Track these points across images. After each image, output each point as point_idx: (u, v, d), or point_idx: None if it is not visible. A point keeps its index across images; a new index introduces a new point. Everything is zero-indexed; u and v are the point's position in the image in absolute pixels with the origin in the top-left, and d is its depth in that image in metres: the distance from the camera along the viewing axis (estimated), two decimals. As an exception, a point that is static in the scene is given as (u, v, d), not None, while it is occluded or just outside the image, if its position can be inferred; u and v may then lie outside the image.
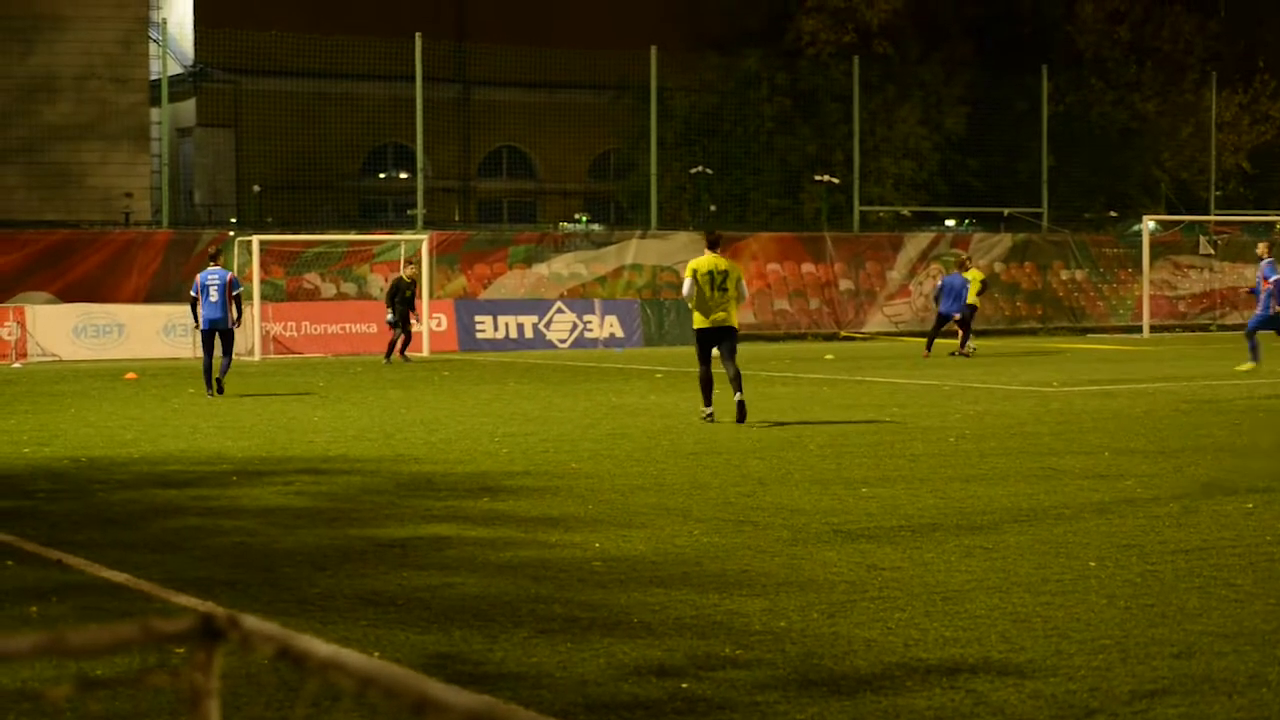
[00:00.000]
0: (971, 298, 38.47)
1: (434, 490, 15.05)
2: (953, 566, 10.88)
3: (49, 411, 24.53)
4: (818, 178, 54.55)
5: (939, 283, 40.02)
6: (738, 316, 22.52)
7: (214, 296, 27.14)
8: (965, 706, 7.48)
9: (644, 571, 10.77)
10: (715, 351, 22.24)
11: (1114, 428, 20.48)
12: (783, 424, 21.42)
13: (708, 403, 21.96)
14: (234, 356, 28.29)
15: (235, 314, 27.32)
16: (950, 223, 60.03)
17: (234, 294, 27.32)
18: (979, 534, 12.19)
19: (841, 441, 18.95)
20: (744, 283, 22.54)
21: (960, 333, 38.35)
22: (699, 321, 22.08)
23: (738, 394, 21.53)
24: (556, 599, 9.90)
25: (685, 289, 22.20)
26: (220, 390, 27.11)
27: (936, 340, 38.14)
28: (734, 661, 8.31)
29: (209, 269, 27.65)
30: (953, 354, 37.37)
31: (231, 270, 30.25)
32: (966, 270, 39.14)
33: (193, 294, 27.64)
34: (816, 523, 12.76)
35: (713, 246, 22.36)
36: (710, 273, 21.87)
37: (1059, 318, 53.75)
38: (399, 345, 37.23)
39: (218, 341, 27.29)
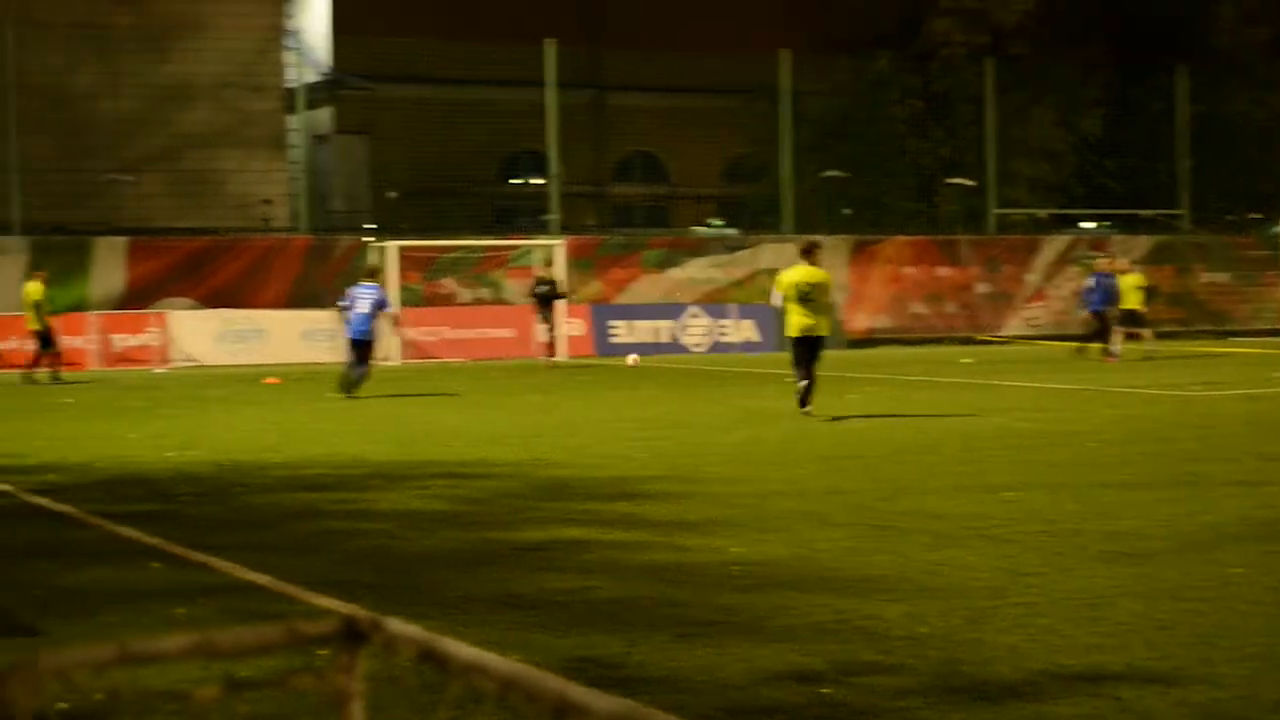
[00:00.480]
0: (1137, 303, 38.02)
1: (571, 494, 15.07)
2: (1096, 572, 10.74)
3: (192, 416, 24.85)
4: (951, 180, 54.16)
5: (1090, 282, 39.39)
6: (828, 325, 23.36)
7: (363, 309, 27.91)
8: (1110, 714, 7.38)
9: (783, 576, 10.73)
10: None
11: (1257, 432, 20.17)
12: (844, 418, 21.28)
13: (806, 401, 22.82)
14: (372, 364, 28.57)
15: (380, 328, 28.55)
16: (1087, 225, 59.40)
17: (381, 311, 28.29)
18: (1121, 539, 12.02)
19: (980, 446, 18.79)
20: (832, 291, 23.60)
21: (1125, 333, 37.92)
22: (790, 330, 23.04)
23: (806, 406, 22.67)
24: (695, 603, 9.87)
25: (774, 300, 23.33)
26: (349, 396, 27.52)
27: (1102, 342, 37.59)
28: (875, 667, 8.25)
29: (364, 283, 28.65)
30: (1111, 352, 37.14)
31: (385, 288, 30.60)
32: (1126, 273, 38.69)
33: (342, 303, 28.14)
34: (957, 528, 12.65)
35: (806, 255, 23.27)
36: (797, 284, 22.71)
37: (1200, 320, 52.94)
38: (547, 348, 37.27)
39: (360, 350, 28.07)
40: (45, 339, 34.41)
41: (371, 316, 27.95)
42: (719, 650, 8.62)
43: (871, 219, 55.82)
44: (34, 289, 34.44)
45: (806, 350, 22.80)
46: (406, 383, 32.46)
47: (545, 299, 37.25)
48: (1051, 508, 13.66)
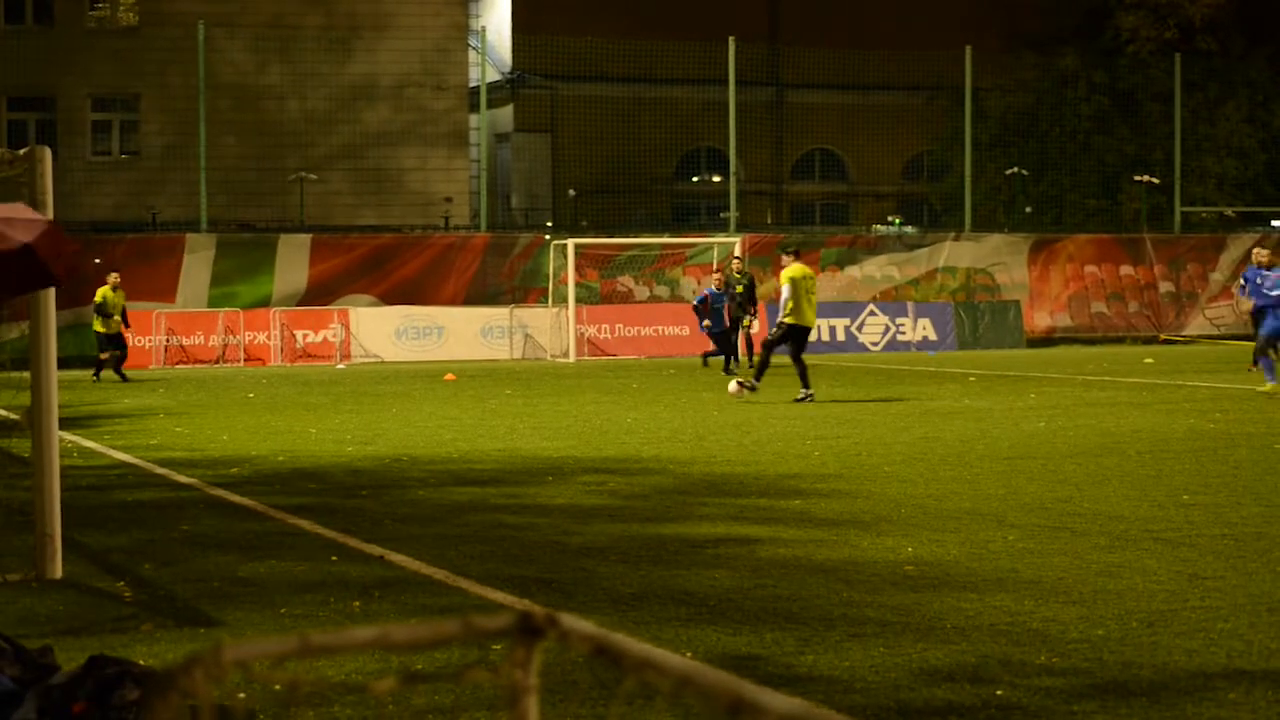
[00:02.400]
0: None
1: (745, 491, 15.08)
2: (1279, 576, 10.57)
3: (371, 411, 25.15)
4: (1137, 178, 53.43)
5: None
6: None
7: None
8: (1292, 721, 7.26)
9: (957, 576, 10.67)
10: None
11: None
12: (844, 402, 21.05)
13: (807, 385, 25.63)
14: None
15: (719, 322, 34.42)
16: (1277, 223, 58.30)
17: (698, 306, 34.70)
18: (1306, 544, 11.81)
19: (1161, 447, 18.54)
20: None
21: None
22: (801, 320, 25.60)
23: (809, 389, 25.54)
24: (869, 602, 9.85)
25: (787, 293, 25.45)
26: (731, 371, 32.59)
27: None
28: (1050, 669, 8.19)
29: (711, 288, 35.38)
30: None
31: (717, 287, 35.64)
32: None
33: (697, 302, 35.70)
34: (1135, 530, 12.50)
35: (798, 256, 26.49)
36: (805, 279, 25.72)
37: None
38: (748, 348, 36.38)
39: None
40: (113, 341, 33.64)
41: (718, 312, 34.57)
42: (892, 650, 8.60)
43: (1054, 216, 55.24)
44: (101, 291, 33.72)
45: (805, 339, 25.98)
46: (583, 379, 32.64)
47: (747, 294, 35.74)
48: (1233, 511, 13.45)
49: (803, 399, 25.36)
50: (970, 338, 44.66)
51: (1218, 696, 7.67)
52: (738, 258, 39.18)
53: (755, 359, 35.77)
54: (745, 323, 35.43)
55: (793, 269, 25.74)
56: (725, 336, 34.48)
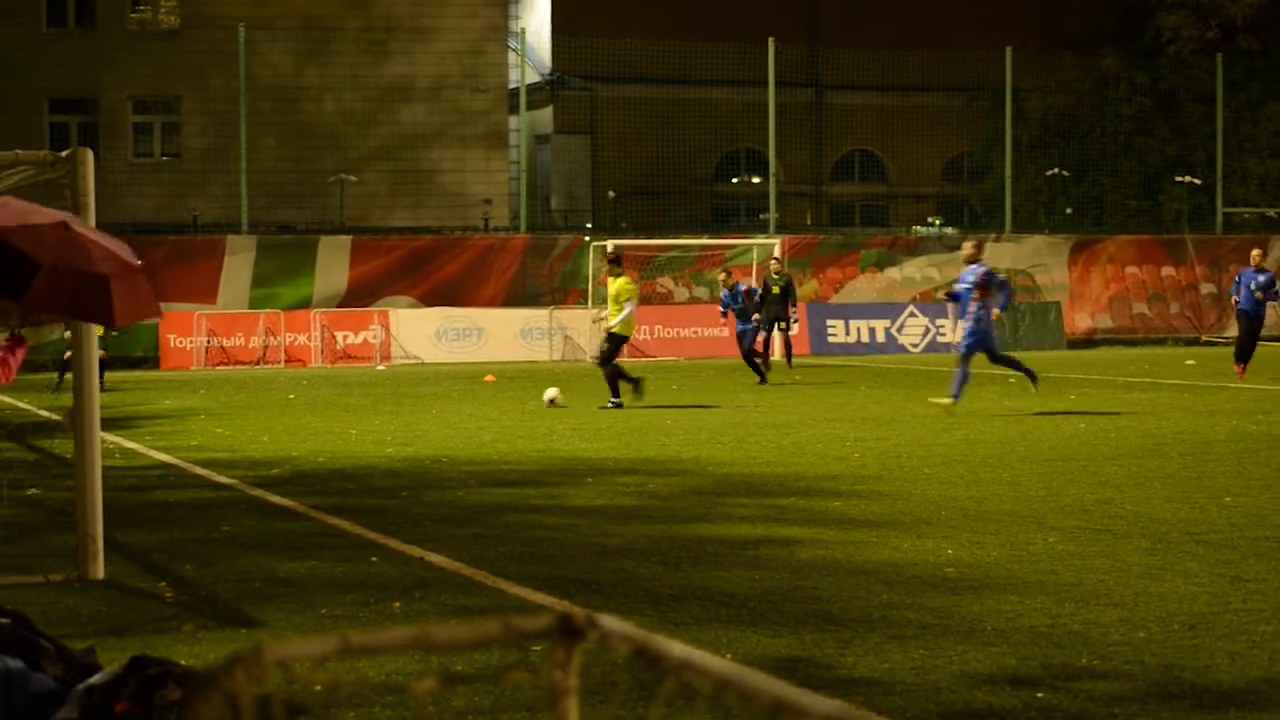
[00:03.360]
0: None
1: (785, 492, 15.05)
2: (1321, 579, 10.52)
3: (411, 413, 25.19)
4: (1179, 179, 53.22)
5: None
6: None
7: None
8: (1335, 725, 7.21)
9: (998, 578, 10.63)
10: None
11: None
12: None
13: (636, 389, 25.53)
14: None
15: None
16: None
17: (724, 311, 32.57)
18: (1349, 546, 11.74)
19: (1203, 449, 18.45)
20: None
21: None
22: (633, 330, 26.50)
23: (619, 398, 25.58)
24: (909, 604, 9.83)
25: (630, 309, 25.61)
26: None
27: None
28: (1091, 672, 8.16)
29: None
30: None
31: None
32: None
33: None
34: (1177, 532, 12.44)
35: (620, 264, 26.58)
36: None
37: None
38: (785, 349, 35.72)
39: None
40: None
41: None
42: (932, 652, 8.58)
43: (1094, 218, 55.06)
44: None
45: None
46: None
47: (785, 295, 35.02)
48: (1276, 513, 13.37)
49: (611, 406, 25.42)
50: (1010, 339, 44.50)
51: (1260, 700, 7.63)
52: (776, 259, 38.94)
53: (790, 362, 35.93)
54: (782, 325, 35.15)
55: (626, 280, 26.03)
56: (740, 339, 32.32)
